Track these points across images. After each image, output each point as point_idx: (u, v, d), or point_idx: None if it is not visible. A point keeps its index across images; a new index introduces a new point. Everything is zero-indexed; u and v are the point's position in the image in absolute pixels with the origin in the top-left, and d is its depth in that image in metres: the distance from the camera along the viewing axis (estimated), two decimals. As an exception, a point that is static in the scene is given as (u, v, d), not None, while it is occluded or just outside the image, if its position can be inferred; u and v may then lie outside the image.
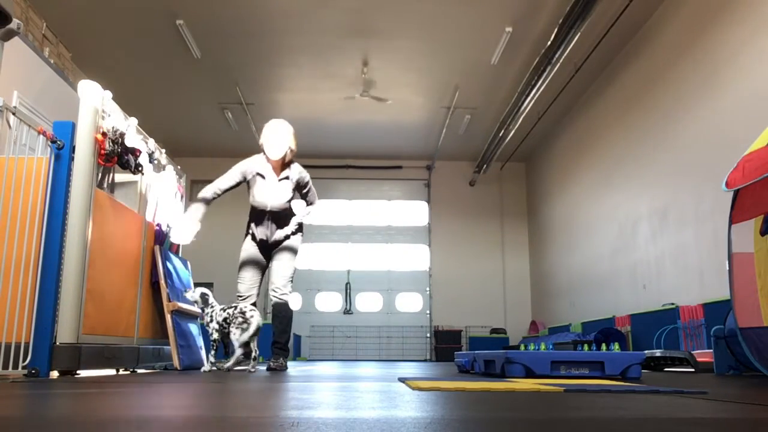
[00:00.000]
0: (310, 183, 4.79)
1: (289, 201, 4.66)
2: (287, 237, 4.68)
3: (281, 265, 4.64)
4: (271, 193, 4.59)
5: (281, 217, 4.66)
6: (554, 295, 13.21)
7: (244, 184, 4.66)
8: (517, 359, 3.40)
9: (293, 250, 4.71)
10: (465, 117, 12.37)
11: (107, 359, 3.71)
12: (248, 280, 4.62)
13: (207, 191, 4.54)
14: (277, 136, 4.54)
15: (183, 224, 4.49)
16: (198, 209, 4.47)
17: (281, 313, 4.56)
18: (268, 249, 4.70)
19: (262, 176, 4.59)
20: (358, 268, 14.97)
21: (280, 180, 4.61)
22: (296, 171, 4.70)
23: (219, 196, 4.60)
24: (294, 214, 4.70)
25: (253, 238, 4.68)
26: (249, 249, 4.69)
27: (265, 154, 4.58)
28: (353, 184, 15.25)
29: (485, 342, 13.37)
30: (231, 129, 12.72)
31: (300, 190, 4.75)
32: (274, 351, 4.55)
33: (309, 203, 4.80)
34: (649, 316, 8.15)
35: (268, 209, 4.60)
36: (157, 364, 4.68)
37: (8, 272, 3.14)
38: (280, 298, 4.56)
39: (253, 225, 4.69)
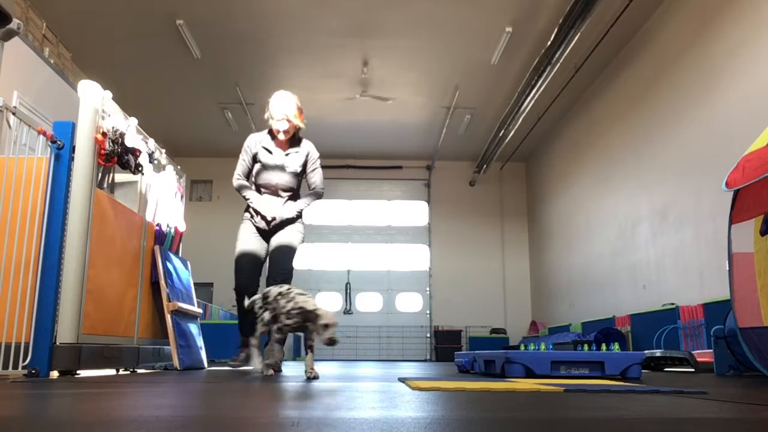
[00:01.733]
0: (319, 164, 4.45)
1: (298, 179, 4.33)
2: (290, 221, 4.31)
3: (282, 258, 4.26)
4: (278, 170, 4.25)
5: (287, 201, 4.32)
6: (554, 295, 13.21)
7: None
8: (517, 359, 3.40)
9: (294, 243, 4.34)
10: (465, 117, 12.37)
11: (107, 359, 3.71)
12: (248, 272, 4.25)
13: (239, 179, 4.32)
14: (282, 109, 4.19)
15: (269, 207, 4.24)
16: (252, 192, 4.28)
17: None
18: (269, 235, 4.33)
19: (268, 151, 4.26)
20: (358, 268, 14.97)
21: (287, 154, 4.27)
22: (306, 146, 4.36)
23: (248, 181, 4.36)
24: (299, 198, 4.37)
25: (254, 223, 4.30)
26: (248, 236, 4.31)
27: (271, 128, 4.27)
28: (353, 184, 15.26)
29: (485, 342, 13.36)
30: (231, 129, 12.72)
31: (305, 167, 4.36)
32: None
33: (312, 186, 4.43)
34: (649, 316, 8.14)
35: (273, 186, 4.24)
36: (157, 364, 4.67)
37: (8, 272, 3.14)
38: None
39: (253, 210, 4.30)
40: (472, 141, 13.71)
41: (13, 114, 3.29)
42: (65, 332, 3.27)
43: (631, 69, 9.51)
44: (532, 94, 9.99)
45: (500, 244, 15.22)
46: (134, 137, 4.10)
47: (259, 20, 8.99)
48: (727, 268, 3.66)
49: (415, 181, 15.42)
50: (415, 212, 15.42)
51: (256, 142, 4.30)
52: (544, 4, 8.51)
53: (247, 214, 4.36)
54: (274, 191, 4.29)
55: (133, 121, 4.15)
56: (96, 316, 3.58)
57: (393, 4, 8.57)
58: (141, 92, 11.01)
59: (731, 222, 3.64)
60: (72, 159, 3.43)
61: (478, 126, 12.88)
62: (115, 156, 3.81)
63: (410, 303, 14.96)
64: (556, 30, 8.37)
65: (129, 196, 4.50)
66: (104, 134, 3.69)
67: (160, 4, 8.57)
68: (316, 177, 4.43)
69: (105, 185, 3.96)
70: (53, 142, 3.32)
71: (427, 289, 14.94)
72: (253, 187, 4.34)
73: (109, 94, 3.82)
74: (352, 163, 15.08)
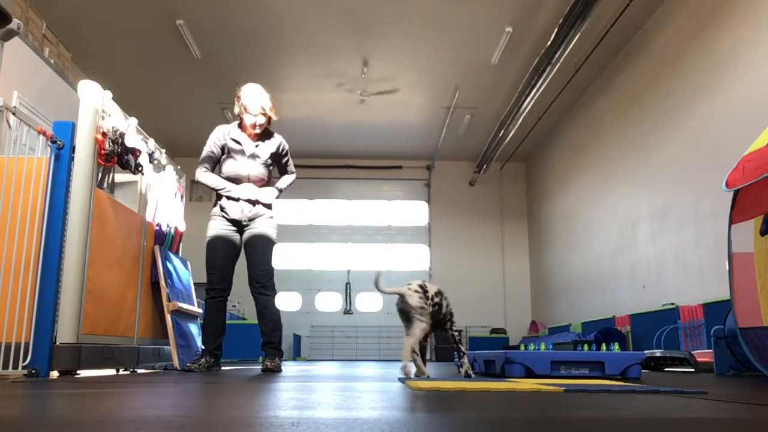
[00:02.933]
0: (289, 152, 4.45)
1: (269, 170, 4.30)
2: (265, 213, 4.26)
3: (260, 256, 4.19)
4: (248, 161, 4.20)
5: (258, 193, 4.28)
6: (554, 295, 13.21)
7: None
8: (517, 359, 3.40)
9: (271, 237, 4.28)
10: (465, 117, 12.37)
11: (107, 359, 3.71)
12: (222, 269, 4.19)
13: (207, 172, 4.22)
14: (259, 102, 4.12)
15: (249, 191, 4.20)
16: (226, 181, 4.20)
17: (269, 310, 4.16)
18: (243, 229, 4.28)
19: (238, 142, 4.19)
20: (358, 268, 14.97)
21: (257, 145, 4.23)
22: (277, 138, 4.32)
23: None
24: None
25: (225, 217, 4.24)
26: (220, 230, 4.23)
27: (242, 121, 4.20)
28: (353, 184, 15.26)
29: (485, 342, 13.37)
30: (231, 129, 12.72)
31: (280, 159, 4.37)
32: (268, 351, 4.17)
33: (290, 172, 4.45)
34: (649, 316, 8.15)
35: (244, 177, 4.20)
36: (157, 364, 4.67)
37: (8, 272, 3.14)
38: (266, 294, 4.16)
39: (224, 202, 4.22)
40: (472, 141, 13.71)
41: (13, 114, 3.29)
42: (65, 332, 3.27)
43: (631, 69, 9.51)
44: (532, 94, 9.99)
45: (500, 244, 15.21)
46: (134, 137, 4.11)
47: (259, 20, 8.98)
48: (727, 268, 3.66)
49: (415, 181, 15.42)
50: (415, 212, 15.42)
51: (224, 134, 4.23)
52: (544, 4, 8.51)
53: (216, 209, 4.28)
54: (245, 185, 4.23)
55: (133, 121, 4.15)
56: (96, 316, 3.58)
57: (393, 4, 8.57)
58: (141, 92, 11.01)
59: (731, 222, 3.64)
60: (72, 159, 3.43)
61: (478, 126, 12.88)
62: (115, 156, 3.81)
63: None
64: (556, 30, 8.37)
65: (129, 196, 4.50)
66: (104, 134, 3.70)
67: (160, 4, 8.57)
68: (290, 165, 4.47)
69: (105, 185, 3.96)
70: (53, 142, 3.32)
71: (427, 289, 14.92)
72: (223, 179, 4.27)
73: (109, 94, 3.82)
74: (352, 163, 15.07)
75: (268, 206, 4.35)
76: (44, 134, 3.28)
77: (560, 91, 10.63)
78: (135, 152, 4.12)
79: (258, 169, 4.26)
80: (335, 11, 8.74)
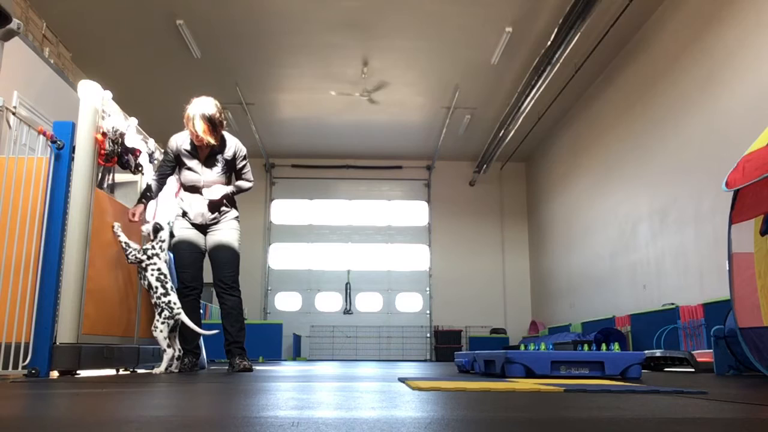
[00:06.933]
0: (247, 159, 4.39)
1: (227, 175, 4.32)
2: (223, 209, 4.32)
3: (226, 255, 4.24)
4: (204, 170, 4.26)
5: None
6: (554, 295, 13.21)
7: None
8: (517, 359, 3.40)
9: (234, 237, 4.33)
10: (465, 117, 12.37)
11: (107, 359, 3.71)
12: (191, 267, 4.25)
13: (152, 184, 4.26)
14: (200, 128, 4.05)
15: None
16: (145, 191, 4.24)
17: (235, 310, 4.22)
18: (205, 230, 4.36)
19: (192, 153, 4.25)
20: (358, 268, 14.98)
21: (212, 153, 4.26)
22: (231, 142, 4.31)
23: (161, 185, 4.32)
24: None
25: (188, 219, 4.32)
26: (184, 230, 4.29)
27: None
28: (353, 184, 15.26)
29: (485, 342, 13.37)
30: (231, 129, 12.72)
31: (235, 165, 4.33)
32: (236, 351, 4.22)
33: (246, 180, 4.39)
34: (649, 316, 8.15)
35: (202, 185, 4.25)
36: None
37: (8, 272, 3.14)
38: (232, 294, 4.22)
39: (186, 206, 4.32)
40: (472, 141, 13.71)
41: (13, 114, 3.29)
42: (65, 332, 3.27)
43: (631, 69, 9.51)
44: (532, 94, 9.99)
45: (500, 244, 15.21)
46: (134, 137, 4.11)
47: (259, 20, 8.98)
48: (727, 268, 3.66)
49: (415, 181, 15.42)
50: (415, 212, 15.42)
51: (177, 145, 4.26)
52: (544, 4, 8.51)
53: (179, 210, 4.38)
54: (202, 190, 4.28)
55: (133, 121, 4.15)
56: (96, 316, 3.58)
57: (393, 4, 8.56)
58: (141, 92, 11.01)
59: (731, 222, 3.64)
60: (72, 159, 3.43)
61: (478, 126, 12.87)
62: (115, 156, 3.82)
63: (410, 303, 14.96)
64: (556, 30, 8.37)
65: (129, 196, 4.51)
66: (104, 134, 3.70)
67: (160, 4, 8.57)
68: (247, 173, 4.41)
69: (105, 185, 3.96)
70: (53, 142, 3.32)
71: (427, 289, 14.94)
72: (181, 188, 4.37)
73: (109, 94, 3.82)
74: (352, 163, 15.07)
75: (232, 204, 4.41)
76: (44, 134, 3.28)
77: (560, 91, 10.63)
78: (135, 152, 4.12)
79: (214, 177, 4.28)
80: (335, 11, 8.74)
